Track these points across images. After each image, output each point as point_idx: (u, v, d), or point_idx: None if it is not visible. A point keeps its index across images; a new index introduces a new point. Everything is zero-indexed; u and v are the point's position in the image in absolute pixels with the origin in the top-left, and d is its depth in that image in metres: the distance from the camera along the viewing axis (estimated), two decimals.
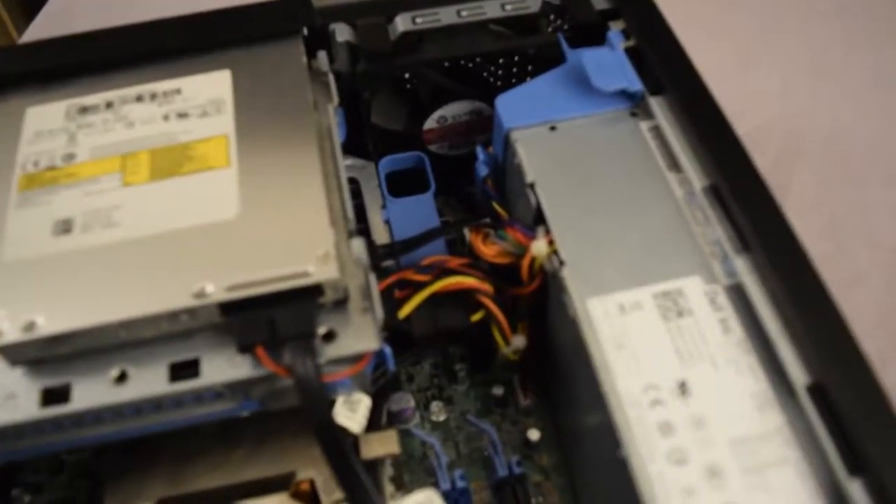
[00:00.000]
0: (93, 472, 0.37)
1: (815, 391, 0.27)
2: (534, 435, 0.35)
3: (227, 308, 0.29)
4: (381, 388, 0.35)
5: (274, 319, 0.28)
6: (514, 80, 0.37)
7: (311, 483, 0.33)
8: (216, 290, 0.29)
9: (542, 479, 0.35)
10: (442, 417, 0.37)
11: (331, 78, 0.35)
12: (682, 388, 0.28)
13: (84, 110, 0.35)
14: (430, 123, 0.39)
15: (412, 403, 0.35)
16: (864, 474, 0.25)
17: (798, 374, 0.27)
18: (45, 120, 0.35)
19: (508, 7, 0.36)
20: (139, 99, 0.35)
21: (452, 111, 0.38)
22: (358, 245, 0.30)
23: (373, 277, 0.29)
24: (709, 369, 0.28)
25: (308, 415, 0.28)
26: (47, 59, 0.37)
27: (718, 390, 0.28)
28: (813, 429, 0.27)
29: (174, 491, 0.34)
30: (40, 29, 0.60)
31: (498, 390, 0.36)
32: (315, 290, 0.29)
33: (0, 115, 0.35)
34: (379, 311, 0.29)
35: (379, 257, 0.34)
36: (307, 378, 0.28)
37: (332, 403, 0.32)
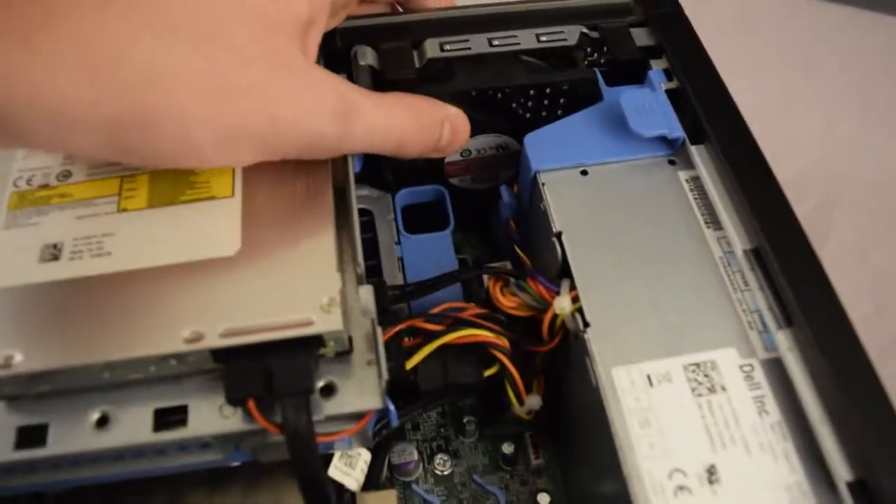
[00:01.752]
0: None
1: (858, 489, 0.24)
2: (544, 500, 0.33)
3: (220, 355, 0.27)
4: (383, 440, 0.33)
5: (270, 371, 0.26)
6: (544, 115, 0.35)
7: None
8: (209, 335, 0.26)
9: None
10: (447, 471, 0.34)
11: None
12: (711, 474, 0.25)
13: None
14: (454, 156, 0.36)
15: (416, 456, 0.33)
16: None
17: (839, 467, 0.25)
18: None
19: (544, 38, 0.34)
20: None
21: (477, 144, 0.36)
22: (365, 293, 0.28)
23: (379, 331, 0.27)
24: (741, 454, 0.26)
25: (299, 479, 0.25)
26: None
27: (750, 479, 0.25)
28: None
29: None
30: None
31: (508, 448, 0.34)
32: (315, 342, 0.27)
33: None
34: (384, 369, 0.26)
35: (388, 300, 0.32)
36: (299, 438, 0.25)
37: (328, 458, 0.30)
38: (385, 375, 0.26)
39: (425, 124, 0.30)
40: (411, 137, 0.30)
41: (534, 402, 0.31)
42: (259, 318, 0.27)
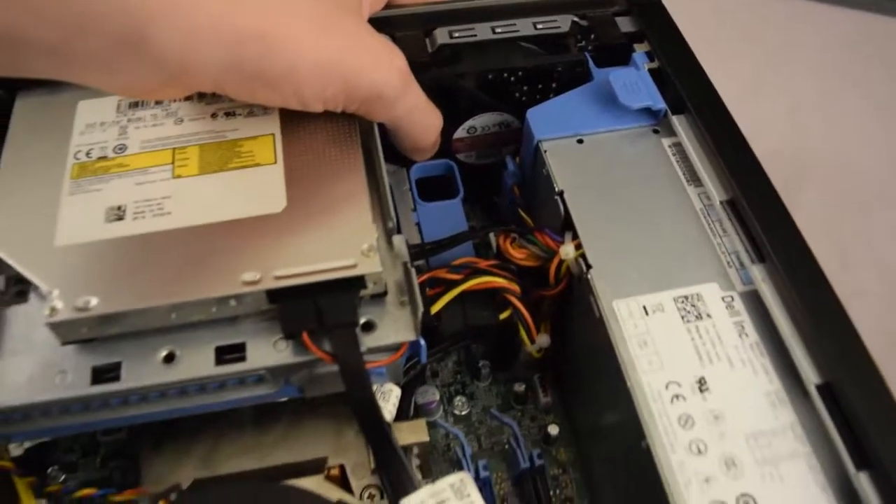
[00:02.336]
0: (128, 453, 0.38)
1: (825, 390, 0.29)
2: (553, 430, 0.37)
3: (275, 295, 0.30)
4: (409, 381, 0.36)
5: (319, 308, 0.30)
6: (540, 95, 0.39)
7: (342, 469, 0.35)
8: (265, 278, 0.30)
9: (560, 473, 0.37)
10: (465, 412, 0.38)
11: None
12: (701, 384, 0.30)
13: (134, 105, 0.37)
14: (460, 133, 0.41)
15: (437, 397, 0.37)
16: (871, 468, 0.27)
17: (809, 375, 0.29)
18: (97, 113, 0.36)
19: (540, 26, 0.38)
20: (187, 97, 0.37)
21: (482, 122, 0.40)
22: (398, 241, 0.32)
23: (413, 272, 0.31)
24: (726, 368, 0.30)
25: (352, 397, 0.29)
26: None
27: (735, 388, 0.30)
28: (823, 425, 0.28)
29: (207, 473, 0.35)
30: None
31: (519, 387, 0.38)
32: (358, 282, 0.31)
33: (53, 107, 0.37)
34: (420, 304, 0.30)
35: (410, 256, 0.36)
36: (351, 363, 0.29)
37: None
38: (421, 309, 0.30)
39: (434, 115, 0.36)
40: (435, 130, 0.36)
41: (543, 340, 0.35)
42: (308, 263, 0.31)
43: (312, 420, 0.37)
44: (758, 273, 0.32)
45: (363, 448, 0.36)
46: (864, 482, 0.27)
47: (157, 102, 0.36)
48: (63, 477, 0.37)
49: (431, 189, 0.41)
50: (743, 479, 0.28)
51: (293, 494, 0.32)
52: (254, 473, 0.34)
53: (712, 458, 0.28)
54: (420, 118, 0.35)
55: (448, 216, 0.39)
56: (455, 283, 0.34)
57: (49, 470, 0.37)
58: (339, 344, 0.29)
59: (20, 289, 0.33)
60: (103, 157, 0.35)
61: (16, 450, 0.34)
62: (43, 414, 0.31)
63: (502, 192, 0.41)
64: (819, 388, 0.29)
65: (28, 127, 0.36)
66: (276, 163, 0.34)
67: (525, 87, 0.39)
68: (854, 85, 0.58)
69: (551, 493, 0.36)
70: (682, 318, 0.32)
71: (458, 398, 0.38)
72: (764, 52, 0.57)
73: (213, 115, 0.36)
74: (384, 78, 0.32)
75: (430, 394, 0.37)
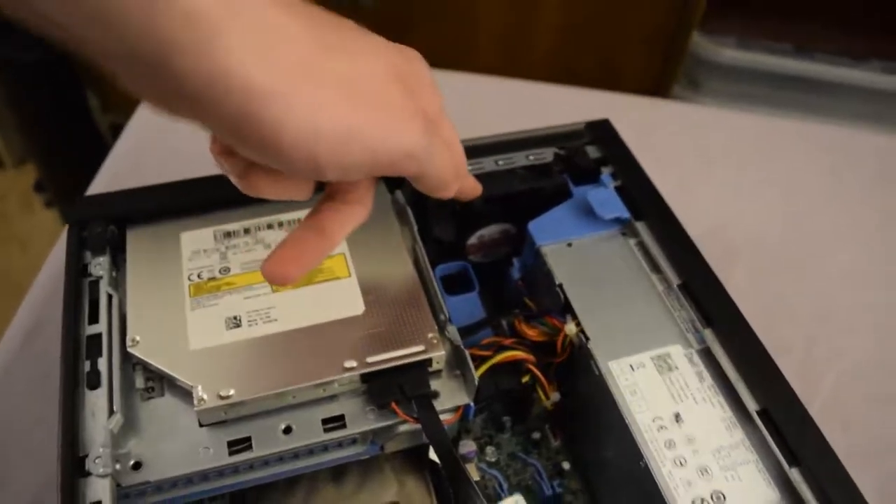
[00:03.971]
0: None
1: (763, 414, 0.41)
2: (566, 465, 0.48)
3: (367, 376, 0.41)
4: (454, 435, 0.47)
5: (401, 384, 0.41)
6: (532, 209, 0.51)
7: None
8: (359, 364, 0.41)
9: (573, 499, 0.48)
10: (494, 458, 0.49)
11: (409, 210, 0.48)
12: (677, 417, 0.42)
13: (228, 235, 0.47)
14: (472, 240, 0.52)
15: (475, 447, 0.48)
16: (799, 465, 0.39)
17: (751, 404, 0.42)
18: (198, 242, 0.47)
19: (531, 157, 0.51)
20: (270, 226, 0.47)
21: (488, 231, 0.52)
22: (453, 330, 0.43)
23: (467, 353, 0.42)
24: (692, 404, 0.42)
25: (436, 447, 0.40)
26: (188, 195, 0.49)
27: (700, 418, 0.42)
28: (764, 438, 0.40)
29: None
30: (105, 179, 0.71)
31: (536, 435, 0.49)
32: (427, 363, 0.42)
33: (160, 238, 0.47)
34: (475, 377, 0.41)
35: None
36: (433, 422, 0.40)
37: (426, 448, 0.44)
38: (475, 381, 0.41)
39: (459, 156, 0.38)
40: (453, 169, 0.37)
41: (555, 396, 0.47)
42: (388, 351, 0.41)
43: (378, 474, 0.47)
44: (708, 335, 0.44)
45: (424, 490, 0.46)
46: (795, 475, 0.39)
47: (246, 231, 0.47)
48: None
49: (449, 285, 0.52)
50: (713, 481, 0.39)
51: None
52: None
53: (691, 468, 0.40)
54: (449, 160, 0.36)
55: (469, 305, 0.51)
56: (487, 358, 0.46)
57: None
58: (421, 409, 0.40)
59: (154, 386, 0.43)
60: (213, 278, 0.45)
61: None
62: (187, 482, 0.40)
63: (507, 284, 0.52)
64: (758, 412, 0.41)
65: (143, 256, 0.46)
66: (350, 276, 0.45)
67: (521, 204, 0.51)
68: (763, 176, 0.74)
69: None
70: (658, 371, 0.44)
71: (489, 448, 0.49)
72: (688, 159, 0.72)
73: None
74: (409, 140, 0.32)
75: (468, 445, 0.47)
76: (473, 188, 0.43)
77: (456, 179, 0.38)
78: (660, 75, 1.12)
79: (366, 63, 0.32)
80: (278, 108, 0.28)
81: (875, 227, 0.72)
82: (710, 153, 0.76)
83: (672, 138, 0.75)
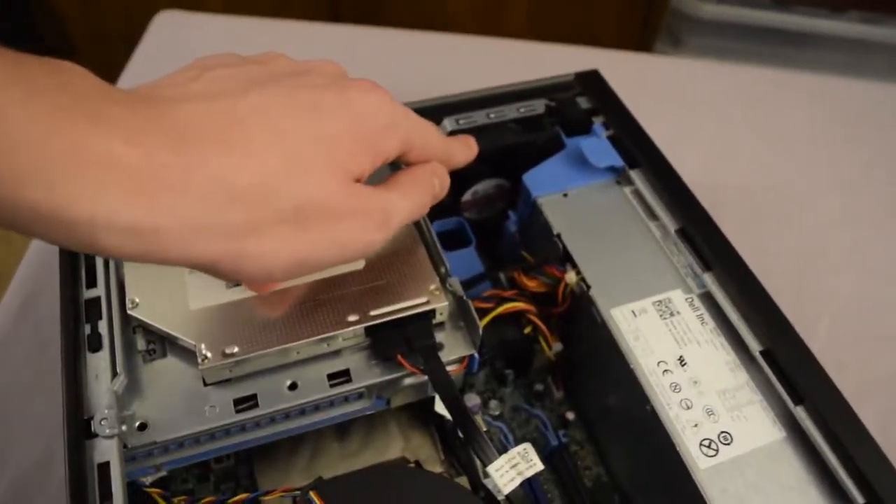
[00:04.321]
0: (237, 476, 0.46)
1: (766, 354, 0.42)
2: (570, 415, 0.48)
3: (370, 330, 0.41)
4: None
5: (406, 336, 0.41)
6: (525, 163, 0.51)
7: (417, 463, 0.45)
8: (362, 318, 0.40)
9: (578, 448, 0.48)
10: (498, 412, 0.49)
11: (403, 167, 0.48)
12: (681, 360, 0.42)
13: None
14: (467, 196, 0.52)
15: (479, 401, 0.47)
16: (804, 403, 0.40)
17: (753, 345, 0.42)
18: None
19: (522, 110, 0.51)
20: None
21: (482, 186, 0.52)
22: (454, 282, 0.43)
23: (470, 303, 0.42)
24: (696, 348, 0.43)
25: (443, 396, 0.40)
26: None
27: (704, 361, 0.42)
28: (768, 379, 0.41)
29: (310, 479, 0.44)
30: None
31: (539, 387, 0.49)
32: (430, 314, 0.42)
33: None
34: (479, 327, 0.41)
35: None
36: (439, 372, 0.40)
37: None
38: (479, 330, 0.41)
39: (427, 187, 0.38)
40: (424, 206, 0.38)
41: (557, 346, 0.47)
42: (391, 304, 0.41)
43: (383, 431, 0.47)
44: (708, 279, 0.45)
45: (430, 445, 0.46)
46: (801, 413, 0.39)
47: None
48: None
49: (447, 241, 0.52)
50: (720, 422, 0.40)
51: (416, 473, 0.42)
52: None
53: (697, 410, 0.40)
54: (411, 216, 0.37)
55: (467, 261, 0.50)
56: (488, 310, 0.45)
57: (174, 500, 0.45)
58: (427, 360, 0.40)
59: (155, 348, 0.42)
60: None
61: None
62: (194, 442, 0.40)
63: (504, 238, 0.52)
64: (762, 353, 0.42)
65: None
66: None
67: (514, 157, 0.51)
68: (746, 127, 0.74)
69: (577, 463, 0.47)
70: (660, 316, 0.44)
71: (492, 401, 0.49)
72: (672, 113, 0.72)
73: None
74: (365, 247, 0.34)
75: (472, 399, 0.47)
76: (466, 158, 0.43)
77: (442, 190, 0.40)
78: (641, 32, 1.11)
79: (305, 178, 0.31)
80: (230, 265, 0.30)
81: (858, 173, 0.73)
82: (693, 106, 0.76)
83: (655, 93, 0.75)
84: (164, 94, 0.30)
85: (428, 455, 0.45)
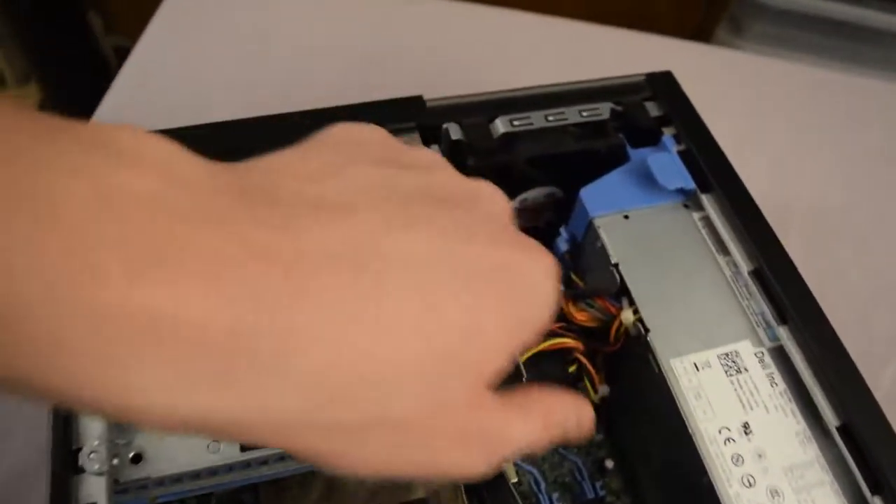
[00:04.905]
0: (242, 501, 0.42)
1: (843, 430, 0.37)
2: (609, 464, 0.44)
3: None
4: None
5: None
6: (583, 172, 0.45)
7: None
8: None
9: (615, 500, 0.44)
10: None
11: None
12: (746, 428, 0.37)
13: None
14: (514, 203, 0.46)
15: None
16: (883, 492, 0.35)
17: (830, 418, 0.37)
18: None
19: (585, 114, 0.45)
20: None
21: (533, 195, 0.46)
22: None
23: None
24: (763, 413, 0.38)
25: None
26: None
27: (771, 430, 0.37)
28: (843, 458, 0.36)
29: None
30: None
31: None
32: None
33: None
34: (523, 372, 0.36)
35: None
36: None
37: None
38: (524, 374, 0.36)
39: (561, 421, 0.28)
40: (543, 447, 0.28)
41: (604, 390, 0.42)
42: None
43: None
44: (783, 333, 0.39)
45: (454, 489, 0.42)
46: None
47: None
48: None
49: None
50: None
51: None
52: None
53: (760, 489, 0.35)
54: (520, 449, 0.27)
55: None
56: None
57: None
58: None
59: None
60: None
61: None
62: (193, 477, 0.36)
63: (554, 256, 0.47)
64: (838, 428, 0.37)
65: None
66: None
67: (571, 166, 0.45)
68: (819, 136, 0.68)
69: None
70: (725, 372, 0.39)
71: None
72: (735, 113, 0.66)
73: None
74: (461, 471, 0.25)
75: None
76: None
77: (577, 433, 0.29)
78: (703, 14, 1.03)
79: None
80: (324, 461, 0.22)
81: None
82: (760, 108, 0.69)
83: (719, 89, 0.68)
84: (284, 188, 0.21)
85: (450, 499, 0.41)
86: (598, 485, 0.42)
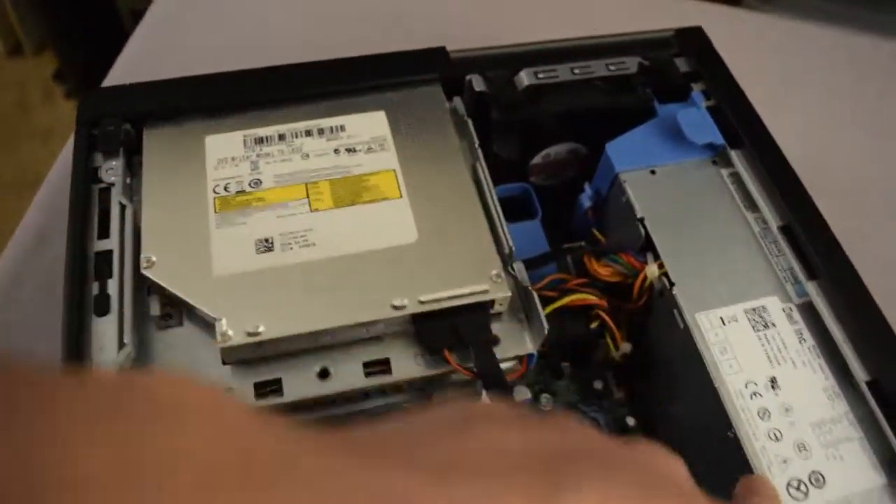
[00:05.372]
0: None
1: (873, 386, 0.36)
2: (630, 421, 0.43)
3: (419, 318, 0.35)
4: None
5: (457, 328, 0.35)
6: (609, 128, 0.44)
7: None
8: (410, 304, 0.35)
9: None
10: (549, 408, 0.44)
11: (469, 123, 0.42)
12: (773, 383, 0.36)
13: (260, 141, 0.40)
14: (537, 159, 0.46)
15: (529, 395, 0.42)
16: None
17: (859, 373, 0.36)
18: (226, 148, 0.40)
19: (612, 67, 0.44)
20: (308, 133, 0.41)
21: (556, 150, 0.45)
22: (520, 268, 0.37)
23: (536, 296, 0.36)
24: (791, 369, 0.37)
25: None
26: (214, 91, 0.42)
27: (799, 385, 0.36)
28: (873, 414, 0.35)
29: None
30: (123, 71, 0.63)
31: (598, 384, 0.44)
32: (488, 304, 0.36)
33: (182, 141, 0.40)
34: (545, 325, 0.35)
35: None
36: (494, 376, 0.34)
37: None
38: (545, 329, 0.35)
39: None
40: None
41: (626, 347, 0.41)
42: (444, 290, 0.35)
43: None
44: (812, 289, 0.38)
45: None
46: None
47: (281, 138, 0.40)
48: None
49: (508, 210, 0.46)
50: (812, 460, 0.34)
51: None
52: None
53: (787, 443, 0.35)
54: None
55: (530, 235, 0.44)
56: (552, 299, 0.40)
57: None
58: (480, 358, 0.35)
59: (172, 313, 0.37)
60: (241, 192, 0.38)
61: None
62: None
63: (575, 213, 0.46)
64: (867, 383, 0.36)
65: (163, 161, 0.40)
66: (401, 197, 0.38)
67: (597, 121, 0.44)
68: (854, 104, 0.66)
69: None
70: (753, 327, 0.38)
71: (543, 396, 0.44)
72: (767, 79, 0.64)
73: (336, 151, 0.40)
74: None
75: (522, 393, 0.42)
76: None
77: None
78: None
79: None
80: None
81: None
82: (791, 73, 0.68)
83: (749, 54, 0.66)
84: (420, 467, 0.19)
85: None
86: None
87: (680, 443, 0.41)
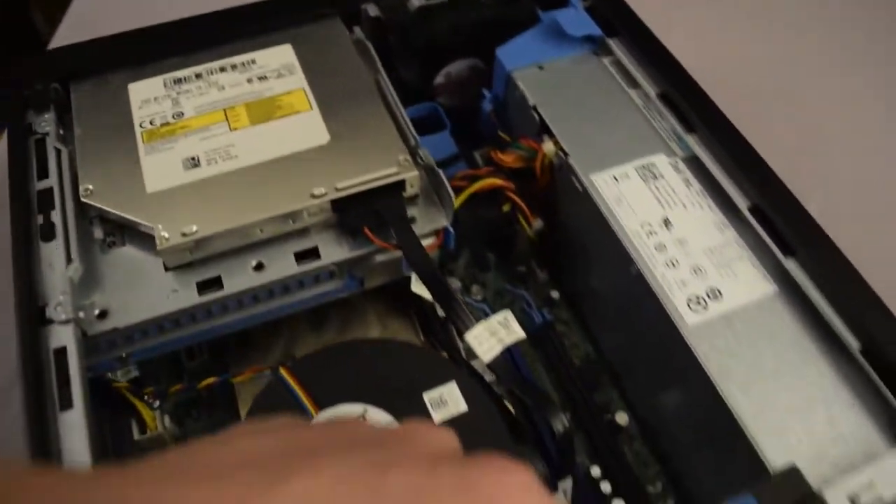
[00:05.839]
0: (212, 372, 0.44)
1: (755, 211, 0.40)
2: (555, 294, 0.47)
3: (338, 204, 0.39)
4: None
5: (376, 209, 0.39)
6: (498, 39, 0.48)
7: None
8: (329, 191, 0.38)
9: (565, 328, 0.46)
10: (480, 296, 0.47)
11: (369, 45, 0.46)
12: (666, 222, 0.40)
13: (179, 81, 0.44)
14: (439, 79, 0.50)
15: (460, 286, 0.46)
16: (796, 255, 0.38)
17: (741, 202, 0.40)
18: (148, 91, 0.43)
19: None
20: (223, 69, 0.44)
21: (456, 68, 0.50)
22: (425, 153, 0.41)
23: (441, 172, 0.40)
24: (681, 209, 0.41)
25: (419, 270, 0.38)
26: (133, 46, 0.45)
27: (690, 221, 0.40)
28: (758, 234, 0.39)
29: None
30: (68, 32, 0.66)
31: (522, 269, 0.47)
32: (401, 185, 0.39)
33: (107, 90, 0.44)
34: (452, 196, 0.39)
35: None
36: (413, 246, 0.38)
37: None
38: (453, 199, 0.39)
39: None
40: None
41: (538, 223, 0.45)
42: (359, 176, 0.39)
43: (359, 317, 0.45)
44: (692, 141, 0.42)
45: (409, 329, 0.44)
46: (792, 265, 0.37)
47: (198, 76, 0.44)
48: (157, 403, 0.43)
49: (419, 128, 0.49)
50: (708, 279, 0.38)
51: (391, 344, 0.40)
52: None
53: (684, 269, 0.38)
54: None
55: (441, 144, 0.48)
56: (463, 188, 0.43)
57: (145, 396, 0.43)
58: (399, 233, 0.38)
59: (114, 236, 0.40)
60: (166, 123, 0.42)
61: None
62: (158, 329, 0.38)
63: (480, 119, 0.50)
64: (750, 209, 0.40)
65: (89, 109, 0.43)
66: (312, 109, 0.42)
67: (488, 35, 0.48)
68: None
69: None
70: (643, 180, 0.42)
71: (474, 286, 0.47)
72: None
73: (249, 80, 0.44)
74: None
75: (454, 285, 0.46)
76: None
77: None
78: None
79: None
80: None
81: (861, 49, 0.70)
82: None
83: None
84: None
85: (407, 339, 0.44)
86: (544, 311, 0.45)
87: (598, 302, 0.45)
